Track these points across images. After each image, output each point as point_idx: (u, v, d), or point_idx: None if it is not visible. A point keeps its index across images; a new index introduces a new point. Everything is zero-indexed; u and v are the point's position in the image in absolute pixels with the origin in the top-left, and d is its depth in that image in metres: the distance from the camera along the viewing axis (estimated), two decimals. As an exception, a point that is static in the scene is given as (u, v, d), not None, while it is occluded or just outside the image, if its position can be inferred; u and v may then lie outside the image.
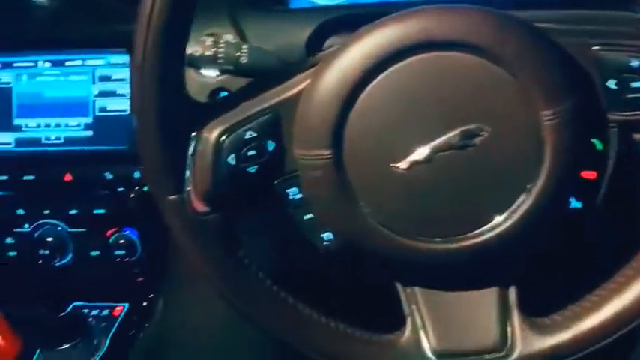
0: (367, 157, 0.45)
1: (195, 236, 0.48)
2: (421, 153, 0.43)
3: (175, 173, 0.46)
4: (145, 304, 0.82)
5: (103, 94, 0.75)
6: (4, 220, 0.76)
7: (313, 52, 0.69)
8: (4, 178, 0.75)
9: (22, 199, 0.75)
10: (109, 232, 0.74)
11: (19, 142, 0.77)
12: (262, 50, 0.55)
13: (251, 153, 0.46)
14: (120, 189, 0.73)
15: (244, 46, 0.54)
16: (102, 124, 0.75)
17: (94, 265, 0.75)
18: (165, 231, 0.50)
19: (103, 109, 0.75)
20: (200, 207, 0.46)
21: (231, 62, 0.53)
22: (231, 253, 0.49)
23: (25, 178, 0.74)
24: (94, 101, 0.75)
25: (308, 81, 0.46)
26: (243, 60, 0.54)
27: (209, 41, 0.53)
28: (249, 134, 0.46)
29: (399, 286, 0.52)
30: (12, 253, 0.76)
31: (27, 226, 0.75)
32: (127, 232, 0.74)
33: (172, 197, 0.46)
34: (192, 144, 0.46)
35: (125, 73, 0.75)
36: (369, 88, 0.44)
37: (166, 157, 0.46)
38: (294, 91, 0.47)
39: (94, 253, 0.75)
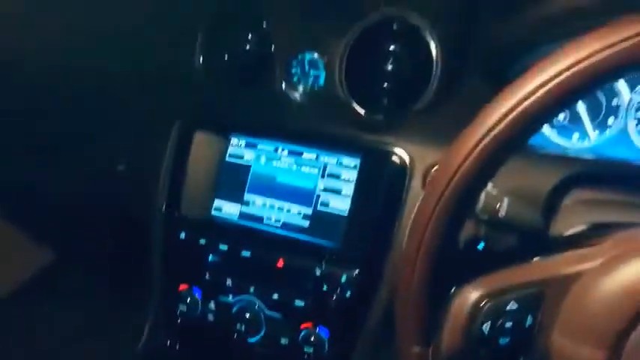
0: None
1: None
2: None
3: (426, 325, 0.45)
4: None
5: (328, 190, 0.79)
6: (212, 286, 0.82)
7: (555, 204, 0.66)
8: (224, 247, 0.81)
9: (234, 271, 0.81)
10: (302, 325, 0.75)
11: (243, 216, 0.83)
12: (523, 205, 0.53)
13: (508, 325, 0.43)
14: (325, 287, 0.74)
15: (505, 199, 0.52)
16: (320, 217, 0.79)
17: (281, 353, 0.77)
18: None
19: (324, 204, 0.79)
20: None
21: (489, 214, 0.52)
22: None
23: (243, 253, 0.80)
24: (318, 195, 0.79)
25: (592, 264, 0.42)
26: (502, 214, 0.52)
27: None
28: (510, 305, 0.43)
29: None
30: (211, 318, 0.81)
31: (231, 297, 0.80)
32: (319, 331, 0.74)
33: (416, 348, 0.45)
34: (451, 300, 0.44)
35: (353, 175, 0.78)
36: None
37: (421, 307, 0.45)
38: (570, 271, 0.43)
39: (284, 340, 0.76)
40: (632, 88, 0.72)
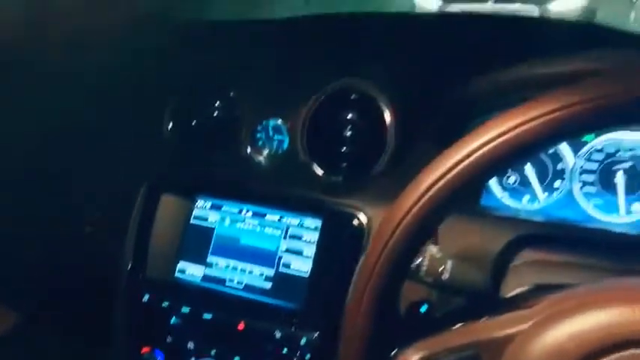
0: None
1: None
2: None
3: None
4: None
5: (290, 251, 0.80)
6: (174, 349, 0.81)
7: (503, 266, 0.68)
8: (186, 310, 0.81)
9: (196, 334, 0.80)
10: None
11: (206, 278, 0.84)
12: (468, 267, 0.55)
13: None
14: (285, 350, 0.75)
15: (449, 262, 0.54)
16: (282, 279, 0.80)
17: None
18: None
19: (286, 266, 0.80)
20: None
21: (432, 276, 0.54)
22: None
23: (205, 316, 0.80)
24: (280, 256, 0.81)
25: (525, 326, 0.44)
26: (445, 276, 0.54)
27: (416, 251, 0.54)
28: None
29: None
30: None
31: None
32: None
33: None
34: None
35: (314, 236, 0.80)
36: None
37: None
38: (505, 333, 0.45)
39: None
40: (575, 152, 0.76)
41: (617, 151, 0.74)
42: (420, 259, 0.54)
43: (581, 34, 0.77)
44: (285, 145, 0.85)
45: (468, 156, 0.43)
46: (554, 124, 0.42)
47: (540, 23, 0.94)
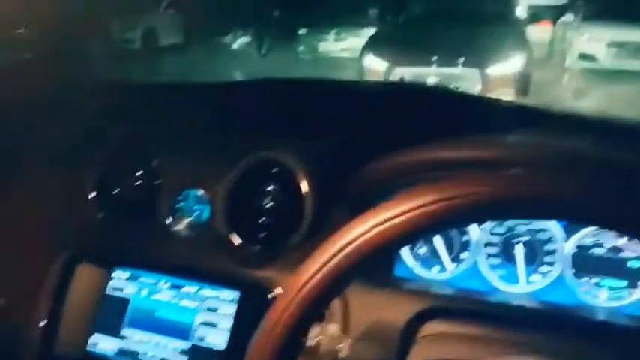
0: None
1: None
2: None
3: None
4: None
5: (205, 324, 0.80)
6: None
7: (408, 339, 0.70)
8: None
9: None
10: None
11: (120, 352, 0.82)
12: (368, 345, 0.57)
13: None
14: None
15: (346, 340, 0.56)
16: (198, 353, 0.79)
17: None
18: None
19: (201, 339, 0.79)
20: None
21: (330, 356, 0.55)
22: None
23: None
24: (195, 329, 0.80)
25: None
26: (341, 355, 0.55)
27: (315, 330, 0.56)
28: None
29: None
30: None
31: None
32: None
33: None
34: None
35: (231, 308, 0.80)
36: None
37: None
38: None
39: None
40: (479, 225, 0.81)
41: (516, 224, 0.80)
42: (318, 338, 0.55)
43: (499, 113, 0.84)
44: (206, 215, 0.86)
45: (350, 243, 0.46)
46: (428, 217, 0.46)
47: (458, 102, 1.01)
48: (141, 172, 0.90)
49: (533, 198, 0.45)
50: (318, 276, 0.47)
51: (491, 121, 0.81)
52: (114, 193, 0.90)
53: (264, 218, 0.84)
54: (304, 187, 0.81)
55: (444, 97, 1.03)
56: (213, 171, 0.86)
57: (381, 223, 0.46)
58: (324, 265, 0.47)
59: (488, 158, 0.69)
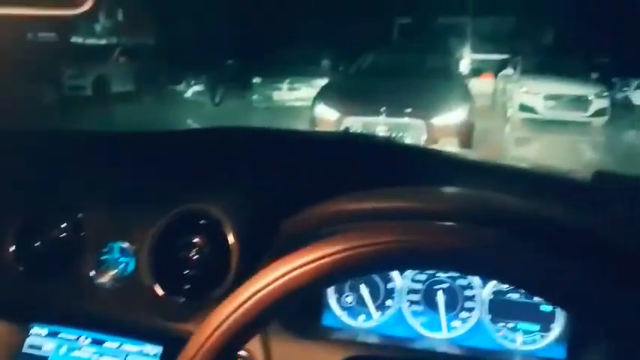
0: None
1: None
2: None
3: None
4: None
5: (127, 382, 0.77)
6: None
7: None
8: None
9: None
10: None
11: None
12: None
13: None
14: None
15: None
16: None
17: None
18: None
19: (121, 398, 0.76)
20: None
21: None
22: None
23: None
24: (116, 387, 0.77)
25: None
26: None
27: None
28: None
29: None
30: None
31: None
32: None
33: None
34: None
35: (154, 363, 0.78)
36: None
37: None
38: None
39: None
40: (401, 274, 0.83)
41: (437, 272, 0.82)
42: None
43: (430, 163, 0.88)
44: (131, 267, 0.85)
45: (261, 290, 0.48)
46: (335, 265, 0.48)
47: (391, 152, 1.05)
48: (65, 224, 0.88)
49: (426, 250, 0.48)
50: (229, 321, 0.47)
51: (426, 172, 0.85)
52: (35, 245, 0.88)
53: (188, 270, 0.83)
54: (231, 239, 0.82)
55: (373, 147, 1.08)
56: (139, 223, 0.85)
57: (292, 271, 0.48)
58: (235, 311, 0.48)
59: (410, 210, 0.72)
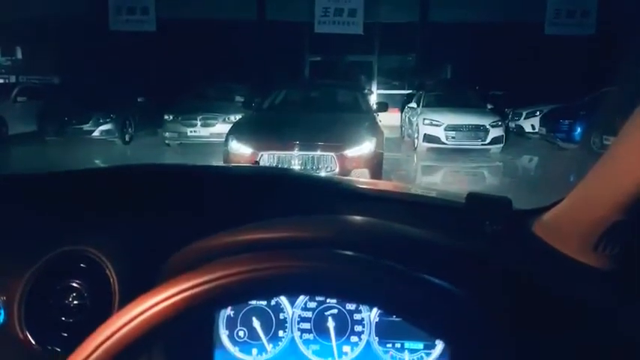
0: None
1: None
2: None
3: None
4: None
5: None
6: None
7: None
8: None
9: None
10: None
11: None
12: None
13: None
14: None
15: None
16: None
17: None
18: None
19: None
20: None
21: None
22: None
23: None
24: None
25: None
26: None
27: None
28: None
29: None
30: None
31: None
32: None
33: None
34: None
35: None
36: None
37: None
38: None
39: None
40: (292, 303, 0.84)
41: (326, 298, 0.84)
42: None
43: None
44: (1, 320, 0.78)
45: (125, 325, 0.47)
46: (195, 297, 0.48)
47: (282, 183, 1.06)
48: None
49: (276, 277, 0.49)
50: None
51: (324, 201, 0.86)
52: None
53: (66, 317, 0.78)
54: (113, 279, 0.78)
55: (271, 179, 1.09)
56: (8, 271, 0.79)
57: (159, 303, 0.47)
58: (97, 348, 0.46)
59: (284, 239, 0.73)
